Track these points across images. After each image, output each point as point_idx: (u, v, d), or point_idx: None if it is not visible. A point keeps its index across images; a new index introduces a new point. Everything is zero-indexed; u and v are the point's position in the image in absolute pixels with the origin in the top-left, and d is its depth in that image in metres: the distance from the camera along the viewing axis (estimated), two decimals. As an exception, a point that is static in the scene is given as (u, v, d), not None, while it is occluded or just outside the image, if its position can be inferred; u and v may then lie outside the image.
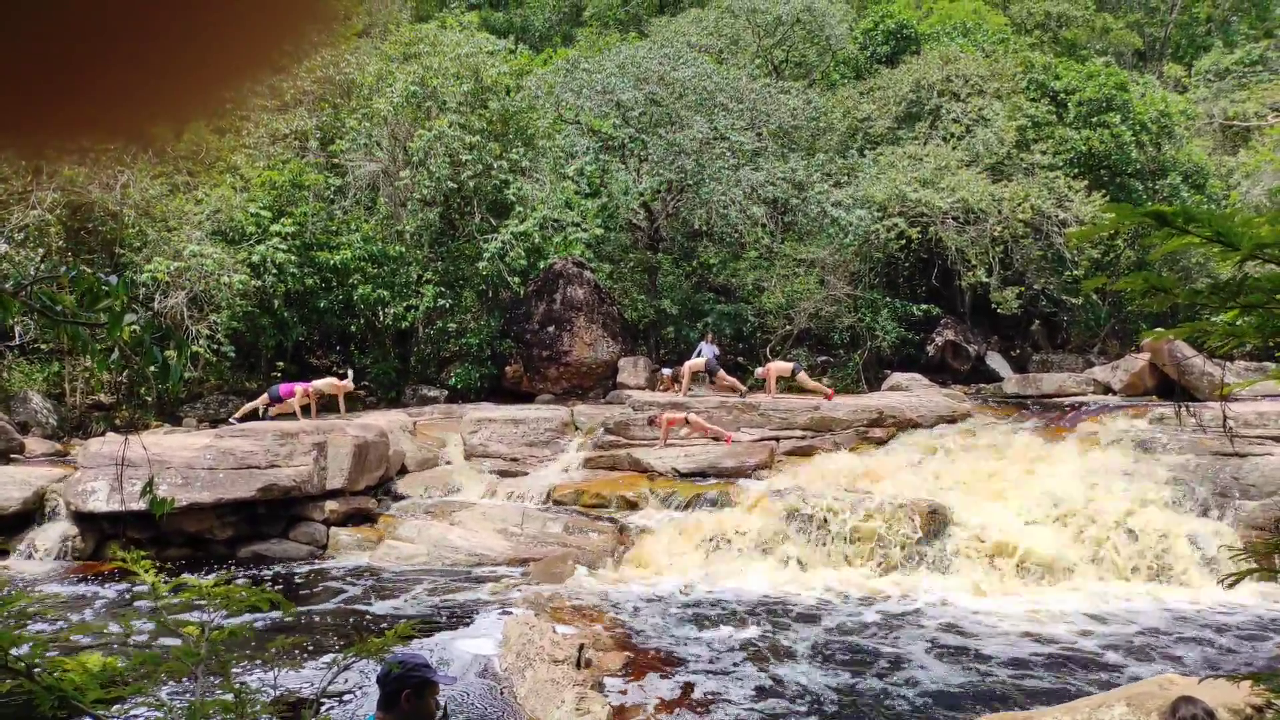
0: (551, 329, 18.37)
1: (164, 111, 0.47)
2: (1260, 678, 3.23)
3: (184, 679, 2.94)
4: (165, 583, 2.93)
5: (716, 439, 13.80)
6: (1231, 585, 2.88)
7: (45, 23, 0.41)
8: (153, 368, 2.17)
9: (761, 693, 7.19)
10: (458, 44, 19.49)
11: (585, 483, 13.01)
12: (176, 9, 0.43)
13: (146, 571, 2.81)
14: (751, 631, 8.64)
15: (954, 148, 21.10)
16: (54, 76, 0.43)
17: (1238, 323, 2.75)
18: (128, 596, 9.60)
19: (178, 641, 2.84)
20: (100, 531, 11.37)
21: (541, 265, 18.67)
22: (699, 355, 17.02)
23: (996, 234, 19.49)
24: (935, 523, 10.76)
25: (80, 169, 15.02)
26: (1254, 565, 3.49)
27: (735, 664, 7.80)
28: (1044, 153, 21.46)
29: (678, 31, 25.97)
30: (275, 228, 16.89)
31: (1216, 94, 30.23)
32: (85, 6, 0.41)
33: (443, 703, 3.27)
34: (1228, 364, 14.96)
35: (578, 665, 7.01)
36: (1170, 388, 15.39)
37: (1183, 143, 23.64)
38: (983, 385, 19.57)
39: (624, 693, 7.13)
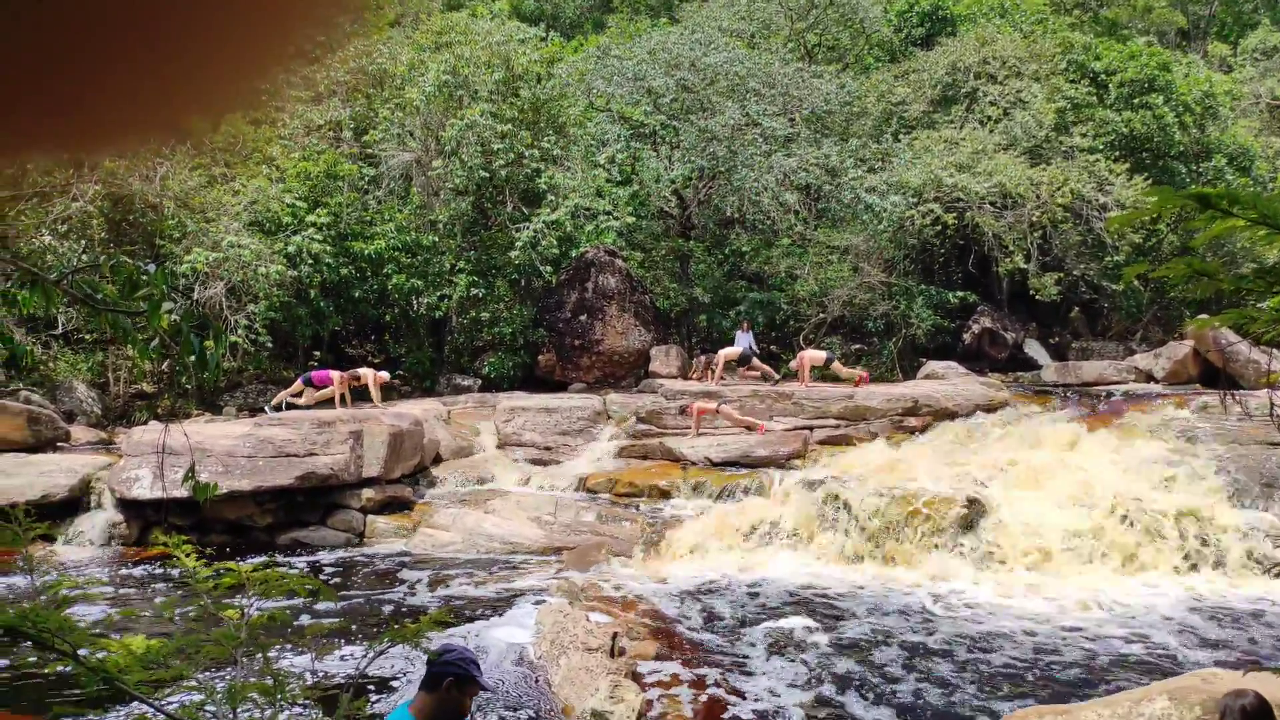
0: (584, 318, 18.40)
1: (200, 105, 0.47)
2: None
3: (224, 663, 3.00)
4: (206, 567, 2.98)
5: (749, 428, 13.75)
6: None
7: (75, 21, 0.41)
8: (191, 356, 2.20)
9: (794, 682, 7.17)
10: (489, 32, 19.53)
11: (618, 472, 13.04)
12: (207, 2, 0.43)
13: (188, 556, 2.86)
14: (784, 621, 8.61)
15: (991, 131, 20.76)
16: (88, 74, 0.43)
17: (1285, 308, 2.67)
18: (171, 582, 9.81)
19: (219, 626, 2.90)
20: (144, 518, 11.61)
21: (573, 254, 18.70)
22: (736, 344, 16.96)
23: (1035, 219, 19.17)
24: (972, 514, 10.64)
25: (120, 161, 15.29)
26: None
27: (768, 653, 7.79)
28: (1084, 135, 21.05)
29: (709, 17, 25.77)
30: (311, 218, 17.08)
31: (1264, 73, 29.41)
32: (116, 4, 0.41)
33: (473, 708, 3.30)
34: (1274, 351, 14.58)
35: (611, 654, 7.05)
36: (1214, 375, 15.07)
37: (1228, 124, 23.06)
38: (1021, 374, 19.30)
39: (657, 681, 7.16)
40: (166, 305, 2.21)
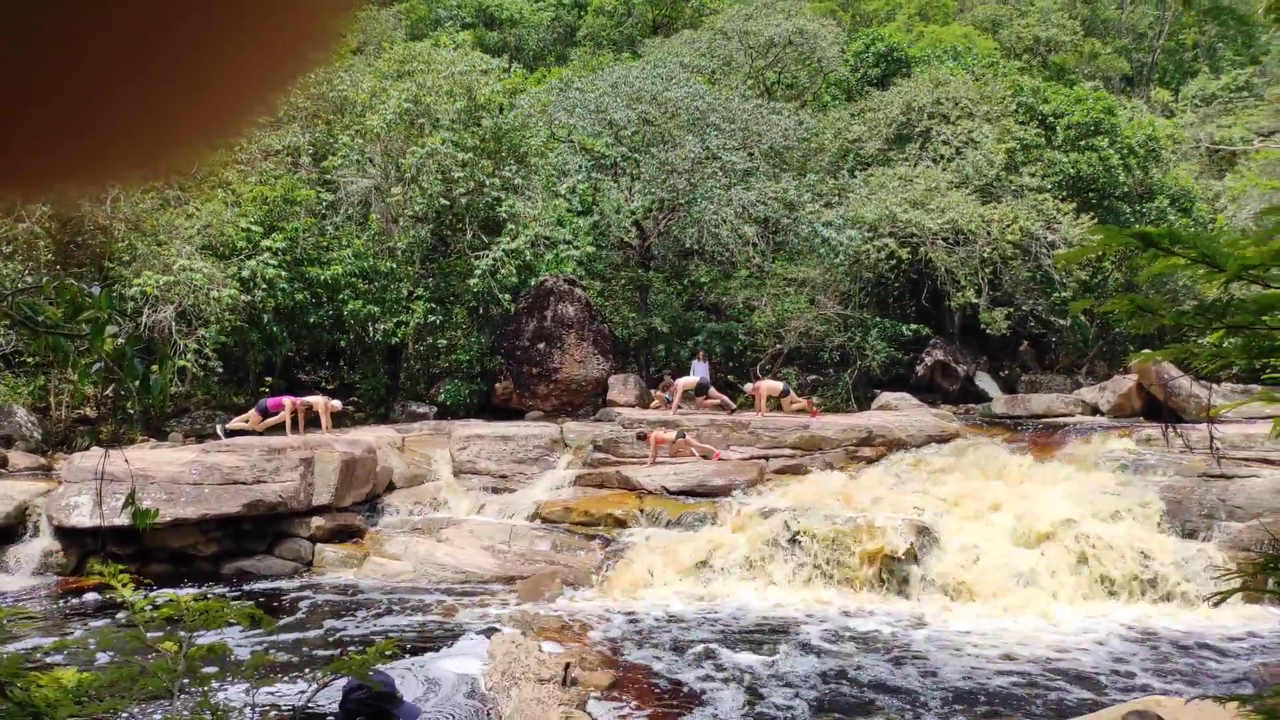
0: (542, 346, 18.35)
1: (180, 142, 0.47)
2: (1245, 698, 3.22)
3: (161, 696, 2.90)
4: (144, 598, 2.89)
5: (706, 457, 13.77)
6: (1218, 603, 2.88)
7: (53, 57, 0.40)
8: (135, 381, 2.15)
9: (747, 711, 7.13)
10: (451, 62, 19.56)
11: (574, 500, 12.95)
12: (187, 37, 0.42)
13: (125, 586, 2.77)
14: (738, 650, 8.58)
15: (944, 169, 21.25)
16: (64, 113, 0.42)
17: (1224, 344, 2.76)
18: (109, 613, 9.49)
19: (156, 658, 2.80)
20: (83, 547, 11.24)
21: (533, 282, 18.68)
22: (693, 374, 17.01)
23: (986, 255, 19.60)
24: (923, 542, 10.74)
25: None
26: (1238, 585, 3.50)
27: (722, 682, 7.74)
28: (1033, 175, 21.64)
29: (671, 52, 26.14)
30: (266, 243, 16.85)
31: (1203, 119, 30.59)
32: (94, 37, 0.40)
33: None
34: (1214, 386, 15.04)
35: (564, 684, 6.95)
36: (1157, 409, 15.46)
37: (1170, 166, 23.89)
38: (972, 405, 19.63)
39: (610, 712, 7.07)
40: (110, 328, 2.15)
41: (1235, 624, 9.45)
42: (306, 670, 7.56)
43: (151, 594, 3.01)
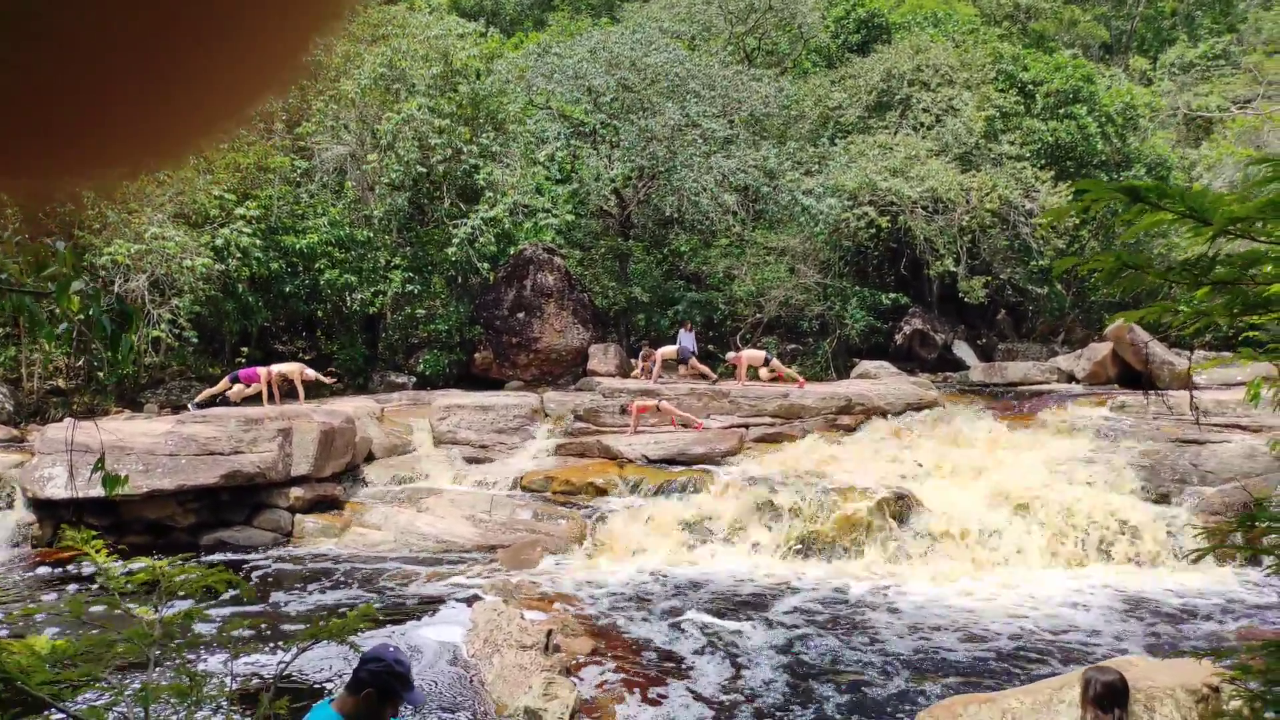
0: (521, 315, 18.25)
1: (173, 139, 0.45)
2: (1221, 654, 3.27)
3: (138, 664, 2.86)
4: (119, 564, 2.84)
5: (686, 426, 13.79)
6: (1196, 560, 2.91)
7: (43, 53, 0.39)
8: (104, 337, 2.08)
9: (729, 677, 7.20)
10: (427, 26, 19.24)
11: (555, 469, 12.94)
12: (188, 31, 0.40)
13: (99, 553, 2.72)
14: (719, 617, 8.65)
15: (924, 137, 21.22)
16: (54, 110, 0.41)
17: (1207, 303, 2.75)
18: (85, 583, 9.41)
19: (132, 625, 2.76)
20: (58, 519, 11.12)
21: (511, 251, 18.53)
22: (679, 343, 17.00)
23: (964, 223, 19.65)
24: (902, 509, 10.84)
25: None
26: (1214, 543, 3.55)
27: (703, 648, 7.80)
28: (1012, 143, 21.65)
29: (650, 17, 25.81)
30: (240, 211, 16.58)
31: (1181, 87, 30.68)
32: (85, 31, 0.38)
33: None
34: (1187, 353, 15.22)
35: (545, 650, 6.98)
36: (1132, 376, 15.62)
37: (1147, 135, 23.98)
38: (950, 374, 19.76)
39: (592, 677, 7.11)
40: (75, 285, 2.08)
41: (1211, 587, 9.62)
42: (286, 639, 7.53)
43: (126, 561, 2.96)
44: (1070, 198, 18.89)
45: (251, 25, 0.41)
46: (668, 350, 16.54)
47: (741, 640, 8.02)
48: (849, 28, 26.92)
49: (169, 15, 0.39)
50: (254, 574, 10.08)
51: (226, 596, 7.68)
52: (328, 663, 6.82)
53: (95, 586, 8.76)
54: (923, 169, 19.73)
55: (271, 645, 7.33)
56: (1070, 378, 17.13)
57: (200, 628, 5.24)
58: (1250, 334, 3.48)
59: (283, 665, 3.01)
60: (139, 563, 2.95)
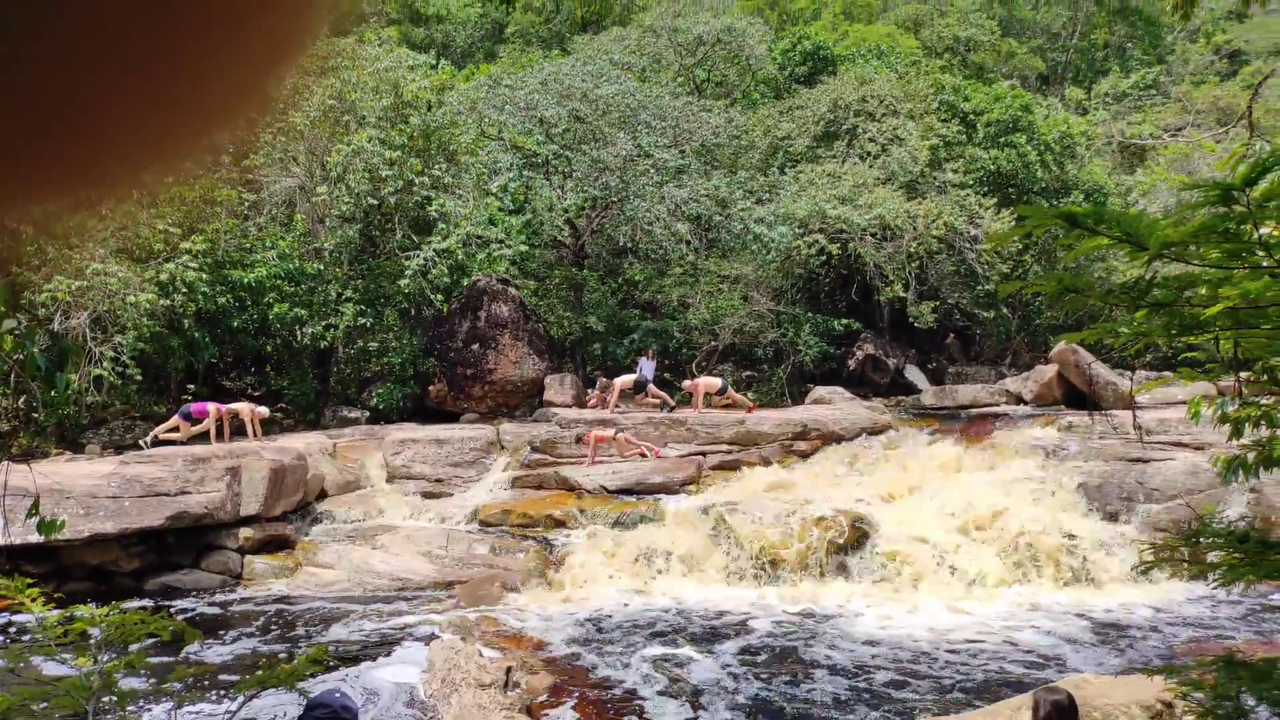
0: (476, 347, 18.12)
1: (161, 157, 0.45)
2: (1172, 670, 3.32)
3: (76, 717, 2.74)
4: (56, 613, 2.73)
5: (644, 455, 13.76)
6: (1145, 572, 2.95)
7: (31, 73, 0.38)
8: (36, 375, 2.01)
9: (688, 711, 7.13)
10: (376, 58, 19.18)
11: (512, 502, 12.81)
12: (170, 53, 0.39)
13: (34, 601, 2.61)
14: (680, 648, 8.59)
15: (870, 166, 21.65)
16: (41, 129, 0.40)
17: (1145, 325, 2.82)
18: (17, 634, 9.03)
19: (72, 675, 2.64)
20: (-7, 566, 10.68)
21: (465, 282, 18.42)
22: (639, 372, 17.00)
23: (912, 250, 20.03)
24: (857, 534, 10.91)
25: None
26: (1160, 559, 3.61)
27: (664, 681, 7.73)
28: (955, 171, 22.19)
29: (600, 50, 26.09)
30: (185, 245, 16.26)
31: (1115, 116, 31.79)
32: (78, 49, 0.38)
33: None
34: (1129, 374, 15.64)
35: (505, 688, 6.85)
36: (1077, 397, 15.99)
37: (1084, 162, 24.75)
38: (902, 397, 20.04)
39: (553, 716, 6.99)
40: (8, 323, 2.01)
41: (1160, 604, 9.81)
42: (234, 685, 7.30)
43: (64, 610, 2.85)
44: (1013, 223, 19.39)
45: (212, 54, 0.41)
46: (625, 379, 16.55)
47: (699, 671, 7.96)
48: (795, 60, 27.47)
49: (143, 33, 0.38)
50: (201, 618, 9.78)
51: (171, 643, 7.43)
52: (281, 709, 6.61)
53: (28, 637, 8.41)
54: (870, 197, 20.11)
55: (218, 693, 7.10)
56: (1018, 399, 17.48)
57: (142, 678, 5.05)
58: (1189, 354, 3.58)
59: (229, 716, 2.91)
60: (80, 610, 2.84)
